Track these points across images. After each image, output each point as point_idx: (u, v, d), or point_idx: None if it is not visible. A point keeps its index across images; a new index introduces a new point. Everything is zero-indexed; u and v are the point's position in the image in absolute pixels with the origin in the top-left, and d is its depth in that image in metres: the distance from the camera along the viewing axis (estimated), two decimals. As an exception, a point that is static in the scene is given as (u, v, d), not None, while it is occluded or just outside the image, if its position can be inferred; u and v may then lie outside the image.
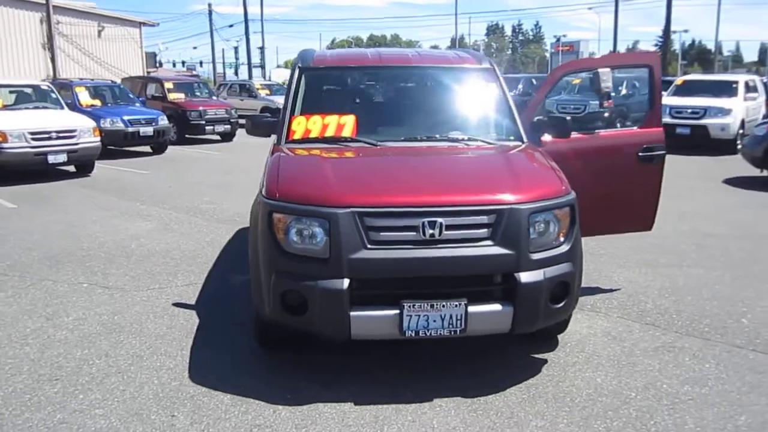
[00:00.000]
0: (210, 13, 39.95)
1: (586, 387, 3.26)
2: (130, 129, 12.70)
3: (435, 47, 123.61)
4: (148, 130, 13.02)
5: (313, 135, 3.94)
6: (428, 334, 3.06)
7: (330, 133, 3.94)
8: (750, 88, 13.98)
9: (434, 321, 3.04)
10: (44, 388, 3.26)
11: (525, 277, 3.08)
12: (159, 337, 3.89)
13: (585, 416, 2.98)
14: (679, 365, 3.50)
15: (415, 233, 3.04)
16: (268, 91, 22.09)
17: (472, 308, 3.05)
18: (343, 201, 3.05)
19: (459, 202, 3.11)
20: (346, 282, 2.99)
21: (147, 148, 13.73)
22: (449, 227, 3.04)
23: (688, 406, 3.06)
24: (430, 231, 3.03)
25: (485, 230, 3.09)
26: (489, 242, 3.08)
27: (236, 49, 57.00)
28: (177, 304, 4.47)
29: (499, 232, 3.07)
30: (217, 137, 16.51)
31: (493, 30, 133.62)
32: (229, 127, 16.28)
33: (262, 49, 55.12)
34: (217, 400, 3.13)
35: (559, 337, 3.81)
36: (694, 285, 4.83)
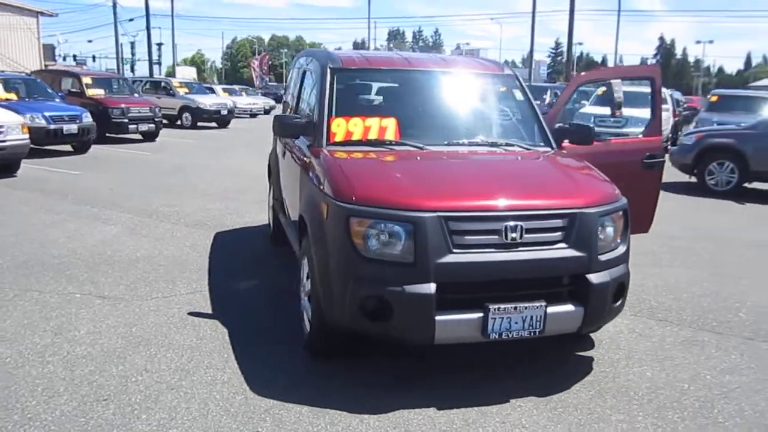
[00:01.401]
0: (114, 5, 37.68)
1: (642, 381, 3.44)
2: (53, 126, 11.75)
3: (338, 50, 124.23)
4: (72, 128, 12.11)
5: (355, 137, 3.87)
6: (510, 336, 3.11)
7: (373, 135, 3.89)
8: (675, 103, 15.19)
9: (516, 323, 3.09)
10: (96, 409, 2.98)
11: (595, 278, 3.21)
12: (194, 350, 3.67)
13: (655, 408, 3.14)
14: (709, 357, 3.77)
15: (497, 237, 3.08)
16: (186, 90, 21.19)
17: (550, 309, 3.13)
18: (428, 205, 3.03)
19: (538, 206, 3.18)
20: (433, 286, 2.97)
21: (67, 147, 12.79)
22: (528, 230, 3.11)
23: (738, 394, 3.31)
24: (512, 234, 3.08)
25: (559, 233, 3.18)
26: (563, 245, 3.18)
27: (132, 44, 54.34)
28: (194, 314, 4.22)
29: (572, 235, 3.18)
30: (139, 137, 15.66)
31: (395, 35, 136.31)
32: (153, 126, 15.47)
33: (159, 45, 52.87)
34: (295, 412, 3.00)
35: (592, 336, 3.99)
36: (684, 283, 5.20)
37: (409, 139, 3.88)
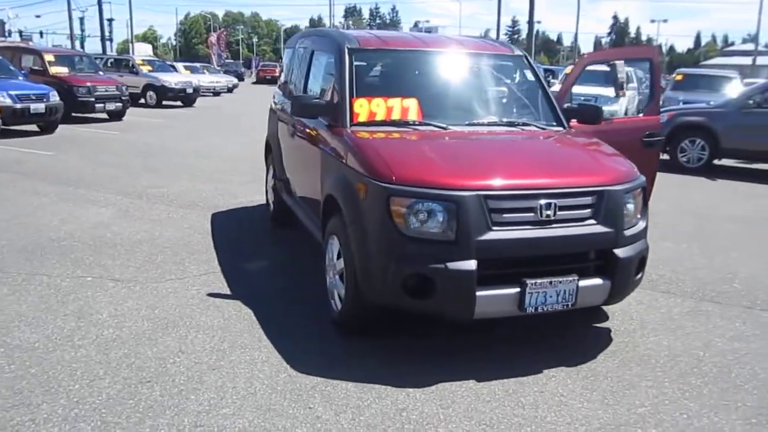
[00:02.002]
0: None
1: (660, 349, 3.62)
2: (19, 105, 11.35)
3: (296, 27, 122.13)
4: (40, 107, 11.71)
5: (378, 117, 3.91)
6: (545, 309, 3.23)
7: (396, 116, 3.93)
8: (627, 78, 15.56)
9: (551, 297, 3.21)
10: (142, 391, 2.98)
11: (621, 252, 3.36)
12: (223, 330, 3.68)
13: (678, 374, 3.33)
14: (716, 326, 3.99)
15: (533, 214, 3.18)
16: (150, 68, 20.62)
17: (581, 283, 3.27)
18: (469, 184, 3.11)
19: (570, 184, 3.30)
20: (474, 263, 3.07)
21: (32, 127, 12.36)
22: (561, 208, 3.23)
23: (750, 359, 3.53)
24: (547, 212, 3.19)
25: (589, 210, 3.31)
26: (592, 221, 3.31)
27: (81, 20, 52.30)
28: (213, 295, 4.22)
29: (600, 211, 3.31)
30: (105, 116, 15.22)
31: (351, 12, 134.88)
32: (120, 105, 15.05)
33: (110, 21, 51.04)
34: (341, 388, 3.06)
35: (605, 308, 4.16)
36: (677, 257, 5.44)
37: (431, 119, 3.94)
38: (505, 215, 3.15)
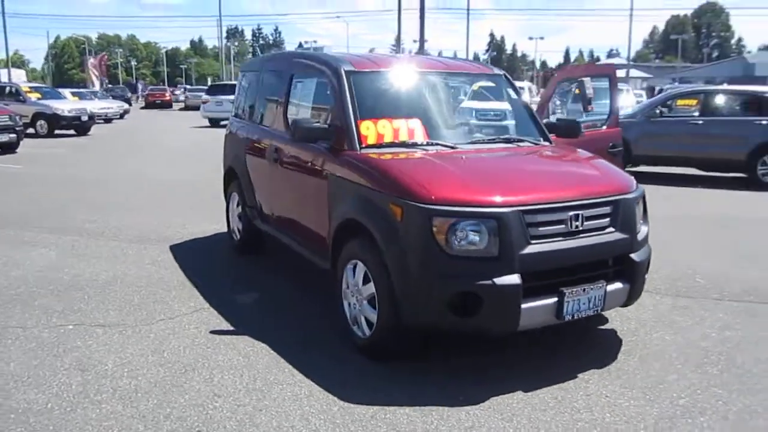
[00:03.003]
0: None
1: (667, 344, 3.88)
2: None
3: (177, 49, 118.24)
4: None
5: (387, 139, 3.92)
6: (579, 315, 3.37)
7: (403, 137, 3.96)
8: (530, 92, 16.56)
9: (584, 303, 3.36)
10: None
11: (636, 256, 3.59)
12: (248, 368, 3.50)
13: (694, 365, 3.58)
14: (702, 318, 4.33)
15: (564, 226, 3.32)
16: (38, 95, 19.16)
17: (608, 288, 3.45)
18: (507, 201, 3.20)
19: (592, 194, 3.47)
20: (518, 277, 3.15)
21: None
22: (587, 218, 3.40)
23: (745, 346, 3.85)
24: (576, 222, 3.35)
25: (608, 219, 3.51)
26: (611, 228, 3.51)
27: (-63, 43, 47.74)
28: (217, 332, 4.01)
29: (618, 219, 3.52)
30: (-5, 148, 13.96)
31: (233, 33, 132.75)
32: (14, 136, 13.87)
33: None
34: (401, 414, 3.01)
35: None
36: (637, 257, 5.84)
37: (435, 139, 4.00)
38: (540, 229, 3.26)
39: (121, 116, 28.10)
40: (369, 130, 3.91)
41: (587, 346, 3.88)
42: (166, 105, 39.90)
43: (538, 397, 3.21)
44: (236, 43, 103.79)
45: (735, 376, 3.45)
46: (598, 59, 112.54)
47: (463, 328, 3.29)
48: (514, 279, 3.13)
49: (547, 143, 4.42)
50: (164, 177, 10.73)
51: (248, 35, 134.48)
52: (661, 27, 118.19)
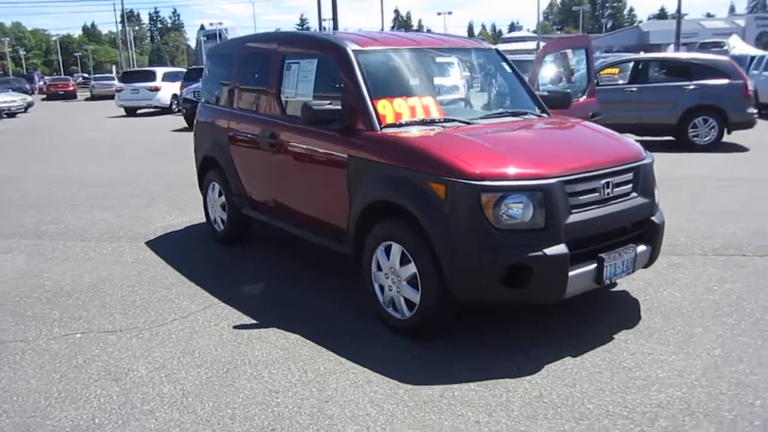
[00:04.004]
0: None
1: (678, 301, 4.10)
2: None
3: (69, 36, 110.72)
4: None
5: (405, 118, 3.86)
6: (614, 279, 3.51)
7: (420, 114, 3.92)
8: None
9: (618, 267, 3.49)
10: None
11: (656, 219, 3.76)
12: (292, 360, 3.40)
13: (712, 317, 3.81)
14: (699, 274, 4.59)
15: (598, 194, 3.43)
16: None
17: (637, 251, 3.60)
18: (550, 173, 3.25)
19: (618, 162, 3.59)
20: (564, 246, 3.23)
21: None
22: (615, 185, 3.52)
23: (746, 296, 4.13)
24: (607, 190, 3.46)
25: (630, 185, 3.64)
26: (635, 194, 3.65)
27: None
28: (242, 327, 3.86)
29: (639, 185, 3.67)
30: None
31: (128, 17, 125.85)
32: None
33: None
34: (467, 390, 3.03)
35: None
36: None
37: (448, 115, 4.00)
38: (579, 198, 3.35)
39: (25, 109, 26.13)
40: (386, 109, 3.85)
41: (608, 308, 4.03)
42: (71, 96, 37.36)
43: (588, 361, 3.32)
44: (136, 28, 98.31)
45: (751, 324, 3.71)
46: (500, 33, 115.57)
47: (514, 300, 3.34)
48: (561, 248, 3.21)
49: (546, 115, 4.51)
50: (96, 172, 10.12)
51: (145, 19, 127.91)
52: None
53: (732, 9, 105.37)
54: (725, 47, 26.94)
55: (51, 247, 5.78)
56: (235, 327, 3.87)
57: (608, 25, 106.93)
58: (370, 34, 4.62)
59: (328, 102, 3.94)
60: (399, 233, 3.51)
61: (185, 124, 17.10)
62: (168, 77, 22.64)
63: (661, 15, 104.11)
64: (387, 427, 2.76)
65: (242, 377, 3.24)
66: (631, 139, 4.16)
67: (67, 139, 15.78)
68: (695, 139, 10.64)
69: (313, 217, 4.38)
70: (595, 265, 3.38)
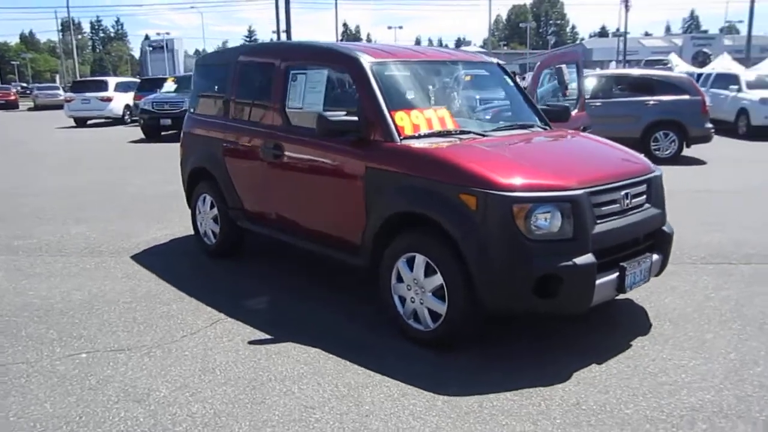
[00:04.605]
0: None
1: (681, 308, 4.22)
2: None
3: (5, 44, 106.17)
4: None
5: (422, 129, 3.87)
6: (633, 287, 3.59)
7: (437, 126, 3.93)
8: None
9: (637, 275, 3.58)
10: (324, 457, 2.61)
11: (667, 229, 3.88)
12: (319, 375, 3.33)
13: (718, 323, 3.95)
14: (695, 282, 4.74)
15: (618, 205, 3.51)
16: None
17: (652, 259, 3.70)
18: (577, 184, 3.31)
19: (634, 174, 3.70)
20: (592, 256, 3.29)
21: None
22: (633, 196, 3.62)
23: (744, 302, 4.29)
24: (626, 201, 3.55)
25: (644, 196, 3.75)
26: (647, 205, 3.76)
27: None
28: (256, 342, 3.76)
29: (651, 196, 3.79)
30: None
31: (68, 26, 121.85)
32: None
33: None
34: (504, 399, 3.03)
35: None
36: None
37: (463, 127, 4.03)
38: (603, 208, 3.42)
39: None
40: (404, 120, 3.84)
41: (618, 316, 4.12)
42: (12, 105, 35.72)
43: (614, 367, 3.38)
44: (78, 36, 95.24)
45: (757, 329, 3.86)
46: (446, 46, 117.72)
47: (543, 309, 3.37)
48: (589, 258, 3.26)
49: (548, 128, 4.61)
50: (58, 184, 9.70)
51: (86, 28, 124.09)
52: (504, 15, 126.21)
53: (668, 29, 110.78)
54: (669, 65, 28.18)
55: (29, 263, 5.49)
56: (250, 342, 3.77)
57: (552, 42, 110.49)
58: (377, 45, 4.62)
59: (344, 113, 3.90)
60: (424, 244, 3.51)
61: (142, 135, 16.69)
62: (120, 87, 22.01)
63: (603, 33, 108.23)
64: None
65: (272, 394, 3.14)
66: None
67: (18, 150, 15.08)
68: (656, 152, 11.06)
69: (322, 229, 4.32)
70: (617, 274, 3.46)
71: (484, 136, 3.99)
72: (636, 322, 4.00)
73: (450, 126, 3.98)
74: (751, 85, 15.58)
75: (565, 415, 2.91)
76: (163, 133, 16.45)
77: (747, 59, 25.37)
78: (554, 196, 3.24)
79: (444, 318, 3.48)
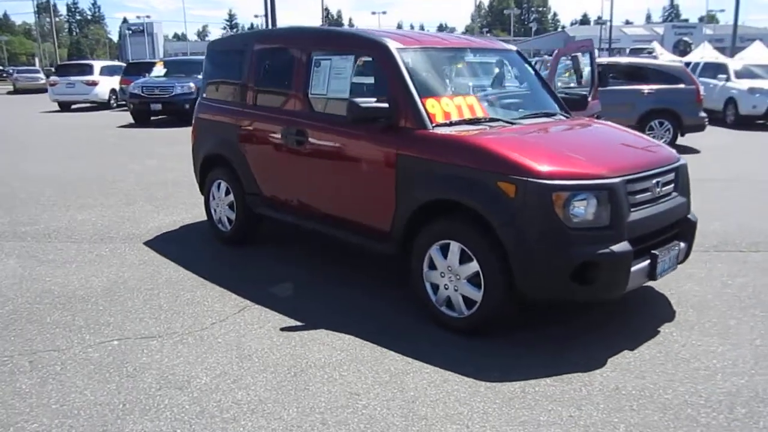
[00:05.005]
0: None
1: (702, 294, 4.31)
2: None
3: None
4: None
5: (454, 117, 3.88)
6: (664, 274, 3.65)
7: (467, 114, 3.94)
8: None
9: (667, 263, 3.64)
10: (378, 442, 2.64)
11: (692, 217, 3.95)
12: (357, 362, 3.35)
13: (740, 309, 4.03)
14: (711, 269, 4.81)
15: (650, 193, 3.56)
16: None
17: (680, 246, 3.77)
18: (614, 172, 3.35)
19: (663, 163, 3.75)
20: (627, 244, 3.33)
21: None
22: (663, 184, 3.67)
23: (762, 288, 4.39)
24: (657, 189, 3.61)
25: (672, 185, 3.81)
26: (675, 194, 3.82)
27: None
28: (288, 329, 3.76)
29: (678, 184, 3.84)
30: None
31: (44, 8, 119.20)
32: None
33: None
34: (545, 384, 3.08)
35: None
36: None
37: (492, 115, 4.05)
38: (637, 196, 3.47)
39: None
40: (435, 108, 3.85)
41: (641, 303, 4.18)
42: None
43: (646, 353, 3.45)
44: (56, 19, 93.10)
45: (776, 316, 3.96)
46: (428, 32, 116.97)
47: (580, 296, 3.42)
48: (626, 246, 3.31)
49: (569, 116, 4.64)
50: (54, 169, 9.53)
51: (63, 10, 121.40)
52: (486, 2, 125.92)
53: (648, 17, 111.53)
54: (653, 53, 28.44)
55: (40, 249, 5.42)
56: (282, 329, 3.77)
57: (533, 29, 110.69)
58: (402, 32, 4.60)
59: (374, 100, 3.88)
60: (460, 232, 3.52)
61: (131, 120, 16.44)
62: (106, 71, 21.58)
63: (584, 21, 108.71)
64: (486, 425, 2.77)
65: (314, 380, 3.16)
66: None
67: (4, 134, 14.77)
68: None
69: (347, 216, 4.31)
70: (648, 261, 3.51)
71: (512, 124, 4.01)
72: (660, 309, 4.07)
73: (479, 114, 4.00)
74: (739, 75, 15.79)
75: (608, 400, 2.96)
76: (153, 118, 16.24)
77: (733, 48, 25.70)
78: (592, 184, 3.27)
79: (479, 305, 3.51)
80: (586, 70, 6.10)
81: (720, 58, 21.71)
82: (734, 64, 16.89)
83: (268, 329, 3.77)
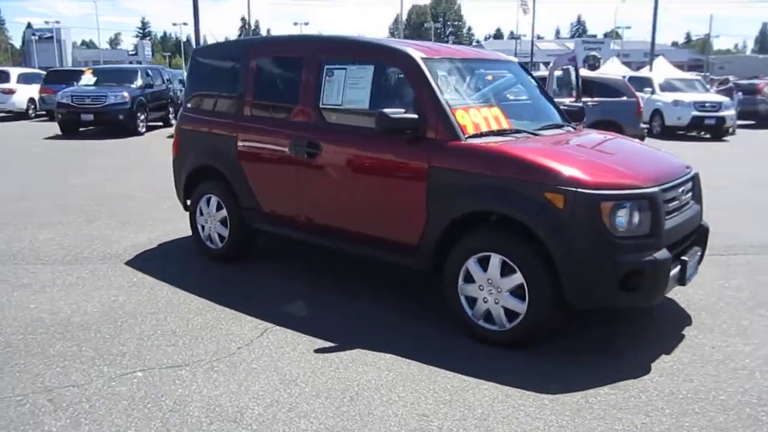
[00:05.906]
0: None
1: (707, 297, 4.48)
2: None
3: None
4: None
5: (483, 128, 3.86)
6: (691, 278, 3.78)
7: (494, 125, 3.94)
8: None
9: (692, 267, 3.77)
10: (468, 464, 2.55)
11: (705, 224, 4.13)
12: (408, 380, 3.26)
13: (747, 310, 4.24)
14: (706, 273, 4.80)
15: (677, 202, 3.69)
16: None
17: (699, 252, 3.92)
18: (652, 182, 3.44)
19: (684, 172, 3.89)
20: (666, 251, 3.43)
21: None
22: (686, 193, 3.82)
23: (759, 289, 4.63)
24: (683, 197, 3.74)
25: (690, 193, 3.97)
26: (693, 201, 3.98)
27: None
28: (323, 351, 3.60)
29: (695, 192, 4.01)
30: None
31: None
32: None
33: None
34: (602, 394, 3.10)
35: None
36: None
37: (516, 126, 4.08)
38: (669, 205, 3.58)
39: None
40: (464, 119, 3.82)
41: (655, 308, 4.31)
42: None
43: (684, 357, 3.55)
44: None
45: (782, 315, 4.20)
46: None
47: (624, 304, 3.48)
48: (666, 253, 3.41)
49: (574, 127, 4.75)
50: (7, 189, 8.83)
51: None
52: (404, 15, 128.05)
53: (558, 33, 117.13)
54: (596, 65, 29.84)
55: (9, 272, 4.93)
56: (317, 351, 3.61)
57: (450, 43, 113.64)
58: (419, 43, 4.55)
59: (402, 111, 3.81)
60: (502, 244, 3.50)
61: (58, 131, 15.44)
62: (23, 79, 20.17)
63: (498, 35, 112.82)
64: (534, 425, 2.75)
65: (375, 404, 3.03)
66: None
67: None
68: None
69: (368, 231, 4.19)
70: (679, 267, 3.63)
71: (536, 135, 4.04)
72: (675, 312, 4.21)
73: (504, 125, 4.01)
74: (663, 88, 16.82)
75: (670, 405, 3.02)
76: (82, 129, 15.33)
77: (651, 62, 27.52)
78: (636, 193, 3.35)
79: (523, 317, 3.49)
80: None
81: (639, 72, 23.06)
82: (657, 77, 17.97)
83: (302, 351, 3.59)
